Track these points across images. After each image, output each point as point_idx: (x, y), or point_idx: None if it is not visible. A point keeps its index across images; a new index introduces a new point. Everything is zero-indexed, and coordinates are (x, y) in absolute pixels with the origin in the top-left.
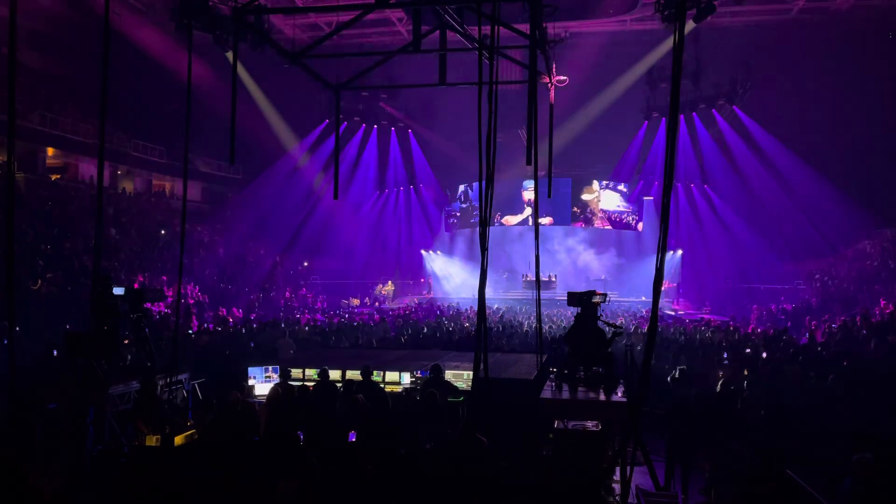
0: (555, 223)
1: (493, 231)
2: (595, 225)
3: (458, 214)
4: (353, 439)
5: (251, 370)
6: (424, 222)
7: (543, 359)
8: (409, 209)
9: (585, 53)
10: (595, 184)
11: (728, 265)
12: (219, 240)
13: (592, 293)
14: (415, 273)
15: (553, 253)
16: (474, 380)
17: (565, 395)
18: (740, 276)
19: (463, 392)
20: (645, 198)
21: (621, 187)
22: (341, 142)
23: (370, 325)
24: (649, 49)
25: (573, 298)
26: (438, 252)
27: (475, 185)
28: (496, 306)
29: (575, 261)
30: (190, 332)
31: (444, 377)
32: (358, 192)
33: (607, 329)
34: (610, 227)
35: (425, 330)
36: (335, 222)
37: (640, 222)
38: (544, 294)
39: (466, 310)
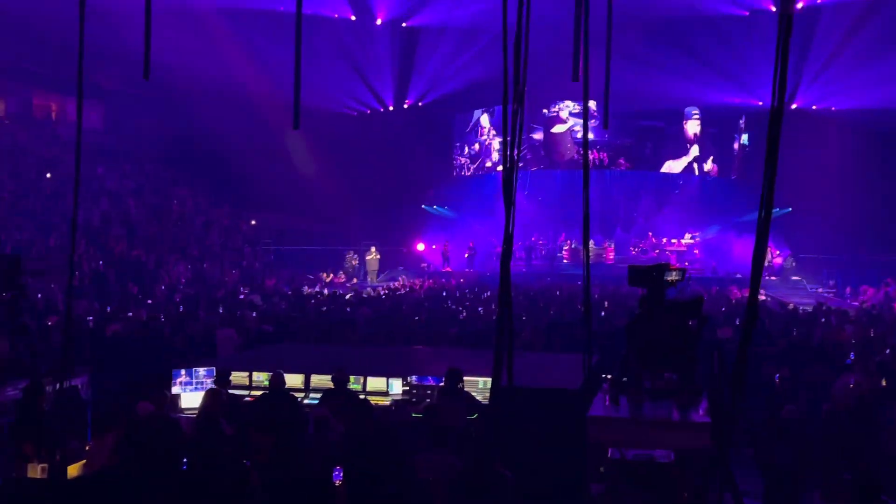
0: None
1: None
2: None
3: (473, 154)
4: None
5: (175, 373)
6: (424, 164)
7: (593, 360)
8: (403, 144)
9: None
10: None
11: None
12: (129, 184)
13: (664, 267)
14: (408, 237)
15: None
16: (493, 389)
17: (624, 412)
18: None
19: (481, 407)
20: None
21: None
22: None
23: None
24: None
25: (636, 275)
26: (445, 207)
27: (497, 110)
28: None
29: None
30: (89, 318)
31: (463, 387)
32: (329, 120)
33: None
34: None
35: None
36: (294, 163)
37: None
38: None
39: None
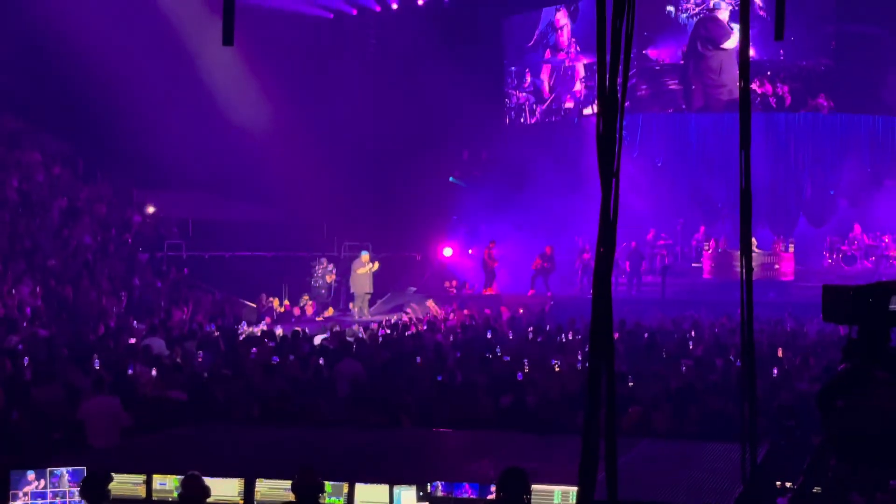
0: None
1: None
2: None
3: (539, 86)
4: None
5: (17, 476)
6: (452, 105)
7: (759, 456)
8: (415, 70)
9: None
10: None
11: None
12: None
13: (890, 288)
14: (426, 235)
15: None
16: None
17: None
18: None
19: None
20: None
21: None
22: None
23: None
24: None
25: (838, 302)
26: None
27: (582, 6)
28: None
29: None
30: None
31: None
32: (286, 30)
33: None
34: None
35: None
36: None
37: None
38: None
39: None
